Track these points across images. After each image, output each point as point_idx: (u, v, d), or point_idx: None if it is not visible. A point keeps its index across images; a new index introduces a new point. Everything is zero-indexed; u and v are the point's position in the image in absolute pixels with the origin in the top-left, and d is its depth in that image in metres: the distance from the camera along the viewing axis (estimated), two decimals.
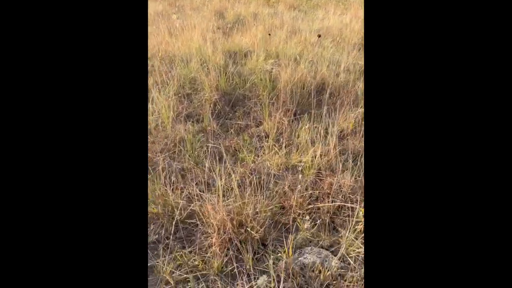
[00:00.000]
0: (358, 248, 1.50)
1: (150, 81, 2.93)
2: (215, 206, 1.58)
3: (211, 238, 1.57)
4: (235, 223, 1.56)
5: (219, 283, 1.37)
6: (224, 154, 2.05)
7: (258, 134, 2.43)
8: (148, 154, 2.13)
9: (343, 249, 1.50)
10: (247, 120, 2.59)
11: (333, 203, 1.76)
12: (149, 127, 2.35)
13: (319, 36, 3.45)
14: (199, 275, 1.46)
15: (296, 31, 4.97)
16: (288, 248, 1.45)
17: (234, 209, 1.61)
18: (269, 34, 3.78)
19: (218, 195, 1.59)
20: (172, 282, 1.39)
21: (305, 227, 1.58)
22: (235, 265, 1.47)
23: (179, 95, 2.72)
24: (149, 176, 1.86)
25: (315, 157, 2.03)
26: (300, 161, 2.08)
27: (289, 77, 2.89)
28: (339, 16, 6.51)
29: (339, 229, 1.68)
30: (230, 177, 1.88)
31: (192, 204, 1.73)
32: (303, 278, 1.40)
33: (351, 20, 5.65)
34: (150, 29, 4.51)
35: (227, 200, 1.67)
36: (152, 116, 2.45)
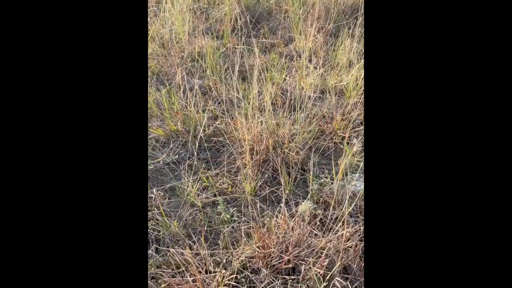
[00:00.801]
0: None
1: None
2: (248, 121, 1.31)
3: (242, 159, 1.33)
4: (271, 142, 1.31)
5: (258, 205, 1.15)
6: (257, 69, 1.74)
7: (288, 54, 2.09)
8: (163, 68, 1.82)
9: None
10: (273, 38, 2.23)
11: None
12: (161, 40, 2.01)
13: None
14: (228, 199, 1.24)
15: None
16: (337, 172, 1.21)
17: (269, 128, 1.34)
18: None
19: (252, 107, 1.31)
20: (199, 204, 1.18)
21: (354, 150, 1.33)
22: (272, 189, 1.24)
23: (195, 7, 2.33)
24: (164, 90, 1.58)
25: (360, 78, 1.71)
26: (340, 81, 1.77)
27: None
28: None
29: None
30: (260, 96, 1.59)
31: (218, 122, 1.46)
32: (353, 208, 1.18)
33: None
34: None
35: (260, 118, 1.40)
36: (164, 29, 2.09)
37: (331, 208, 1.11)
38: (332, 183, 1.25)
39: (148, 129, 1.48)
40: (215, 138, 1.44)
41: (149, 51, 1.92)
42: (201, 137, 1.39)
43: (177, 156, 1.41)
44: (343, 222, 1.03)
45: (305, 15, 2.29)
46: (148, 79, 1.73)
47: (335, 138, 1.49)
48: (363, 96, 1.68)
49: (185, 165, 1.35)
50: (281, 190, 1.23)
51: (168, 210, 1.20)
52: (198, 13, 2.34)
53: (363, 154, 1.37)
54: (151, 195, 1.22)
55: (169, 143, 1.46)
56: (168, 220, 1.12)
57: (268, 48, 2.19)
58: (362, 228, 1.06)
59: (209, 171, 1.33)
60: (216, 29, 2.27)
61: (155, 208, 1.18)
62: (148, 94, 1.58)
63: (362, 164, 1.35)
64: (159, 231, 1.12)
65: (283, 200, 1.09)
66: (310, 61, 1.98)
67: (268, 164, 1.30)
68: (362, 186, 1.24)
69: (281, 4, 2.47)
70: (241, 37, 2.19)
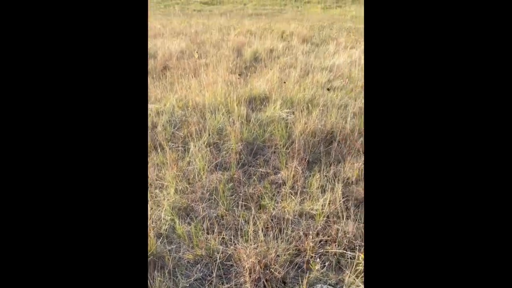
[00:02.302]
0: (358, 286, 1.95)
1: (184, 131, 3.49)
2: (246, 250, 2.06)
3: (244, 277, 2.05)
4: (262, 265, 2.04)
5: None
6: (250, 204, 2.55)
7: (277, 181, 2.92)
8: (189, 203, 2.65)
9: (346, 287, 1.95)
10: (267, 168, 3.08)
11: (338, 248, 2.21)
12: (187, 177, 2.88)
13: (328, 89, 3.94)
14: None
15: (309, 70, 5.48)
16: (304, 285, 1.91)
17: (261, 253, 2.09)
18: (284, 82, 4.30)
19: (249, 240, 2.07)
20: None
21: (316, 268, 2.04)
22: None
23: (210, 147, 3.25)
24: (193, 224, 2.37)
25: (324, 206, 2.49)
26: (312, 209, 2.54)
27: (303, 127, 3.38)
28: (350, 49, 7.01)
29: (344, 269, 2.12)
30: (255, 224, 2.37)
31: (228, 249, 2.22)
32: None
33: (360, 56, 6.13)
34: (175, 71, 5.13)
35: (255, 244, 2.14)
36: (189, 166, 2.98)
37: None
38: None
39: (181, 254, 2.24)
40: (227, 262, 2.18)
41: (180, 188, 2.77)
42: (217, 261, 2.14)
43: (201, 274, 2.14)
44: None
45: (289, 150, 3.18)
46: (180, 213, 2.54)
47: (306, 256, 2.21)
48: (325, 220, 2.43)
49: (207, 281, 2.08)
50: None
51: None
52: (212, 149, 3.26)
53: (323, 270, 2.08)
54: None
55: (196, 264, 2.20)
56: None
57: (263, 176, 3.03)
58: None
59: (223, 285, 2.04)
60: (225, 162, 3.16)
61: None
62: (180, 226, 2.37)
63: (321, 277, 2.05)
64: None
65: None
66: (293, 187, 2.79)
67: (260, 281, 2.01)
68: None
69: (272, 139, 3.38)
70: (242, 167, 3.06)
